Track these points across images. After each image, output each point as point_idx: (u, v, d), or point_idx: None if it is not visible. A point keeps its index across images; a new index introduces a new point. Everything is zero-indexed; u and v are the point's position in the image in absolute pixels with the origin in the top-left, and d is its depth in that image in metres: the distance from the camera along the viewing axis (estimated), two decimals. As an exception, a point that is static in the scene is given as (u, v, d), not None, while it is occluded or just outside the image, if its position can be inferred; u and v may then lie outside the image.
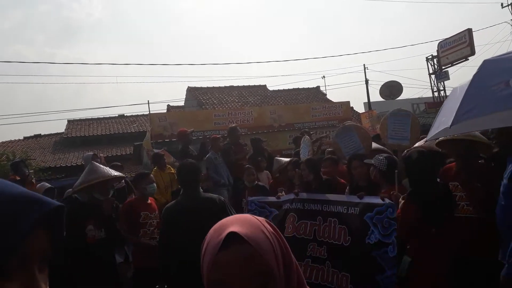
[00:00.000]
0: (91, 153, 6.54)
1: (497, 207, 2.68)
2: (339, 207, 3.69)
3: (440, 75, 21.65)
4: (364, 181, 3.94)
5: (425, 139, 3.20)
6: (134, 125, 23.19)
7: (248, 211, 4.38)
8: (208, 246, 0.86)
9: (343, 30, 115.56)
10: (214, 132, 9.42)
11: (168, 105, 22.79)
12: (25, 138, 23.00)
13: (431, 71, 22.41)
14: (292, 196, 4.10)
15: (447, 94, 15.35)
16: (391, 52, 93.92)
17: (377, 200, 3.46)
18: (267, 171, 6.42)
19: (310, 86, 25.73)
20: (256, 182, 5.34)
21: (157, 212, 4.41)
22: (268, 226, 0.90)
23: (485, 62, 2.20)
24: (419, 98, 24.47)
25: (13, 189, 0.65)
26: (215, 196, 3.48)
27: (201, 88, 22.93)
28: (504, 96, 1.93)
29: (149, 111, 21.01)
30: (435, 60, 21.92)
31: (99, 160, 6.39)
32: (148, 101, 36.17)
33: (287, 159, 5.60)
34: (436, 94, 22.23)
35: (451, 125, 2.00)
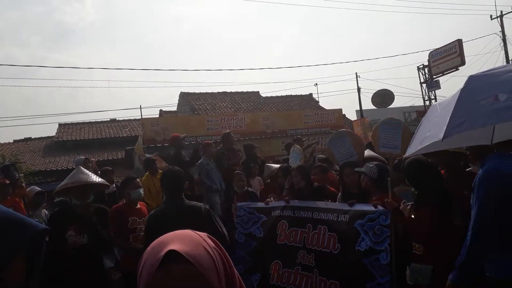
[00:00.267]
0: (83, 157, 6.51)
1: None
2: (329, 214, 3.70)
3: (431, 84, 21.92)
4: (356, 189, 3.96)
5: (406, 155, 3.24)
6: (126, 129, 23.04)
7: (237, 217, 4.39)
8: (146, 265, 0.80)
9: (336, 38, 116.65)
10: (206, 138, 9.42)
11: (161, 110, 22.72)
12: (15, 141, 22.70)
13: (422, 80, 22.66)
14: (282, 203, 4.12)
15: (438, 103, 15.45)
16: (383, 61, 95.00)
17: (369, 208, 3.47)
18: (260, 177, 6.44)
19: (302, 93, 25.88)
20: (246, 187, 5.33)
21: (146, 217, 4.36)
22: (210, 242, 0.87)
23: (471, 78, 2.25)
24: (410, 106, 24.73)
25: None
26: (200, 204, 3.44)
27: (194, 93, 22.91)
28: (495, 110, 1.98)
29: (141, 115, 20.97)
30: (426, 69, 22.21)
31: (90, 164, 6.37)
32: (140, 105, 35.82)
33: (278, 166, 5.61)
34: (427, 102, 22.45)
35: (443, 139, 2.03)
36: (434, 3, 76.33)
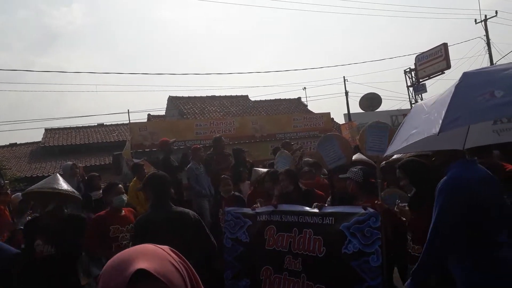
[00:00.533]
0: (70, 163, 6.42)
1: None
2: (315, 217, 3.68)
3: (417, 87, 22.21)
4: (347, 194, 3.96)
5: (386, 153, 3.18)
6: (114, 134, 22.85)
7: (225, 222, 4.38)
8: (110, 286, 0.74)
9: (324, 42, 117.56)
10: (195, 142, 9.38)
11: (149, 115, 22.56)
12: (0, 147, 22.36)
13: (409, 84, 22.97)
14: (271, 208, 4.10)
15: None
16: (370, 65, 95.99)
17: (356, 210, 3.45)
18: (249, 182, 6.42)
19: (291, 97, 26.03)
20: (233, 192, 5.32)
21: (132, 224, 4.10)
22: (174, 255, 0.83)
23: (466, 74, 2.20)
24: (397, 110, 24.97)
25: None
26: (187, 210, 3.35)
27: (183, 97, 22.84)
28: (492, 106, 1.95)
29: (129, 120, 20.83)
30: (413, 73, 22.51)
31: (77, 170, 6.29)
32: (128, 110, 35.59)
33: (265, 170, 5.61)
34: (414, 106, 22.68)
35: (439, 132, 1.97)
36: (420, 7, 77.60)
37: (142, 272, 0.73)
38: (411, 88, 22.86)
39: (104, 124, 24.88)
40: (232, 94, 24.92)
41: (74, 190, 4.10)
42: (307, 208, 3.83)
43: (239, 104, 23.62)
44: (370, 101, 24.33)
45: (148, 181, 3.41)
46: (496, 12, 22.20)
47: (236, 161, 6.94)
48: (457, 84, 2.13)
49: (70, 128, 23.66)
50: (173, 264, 0.79)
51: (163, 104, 23.72)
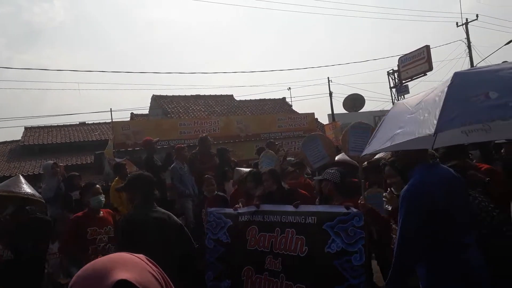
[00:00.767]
0: (51, 162, 6.30)
1: None
2: (297, 217, 3.67)
3: (400, 89, 22.51)
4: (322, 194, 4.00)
5: (364, 153, 3.15)
6: (96, 133, 22.49)
7: (207, 222, 4.36)
8: None
9: (309, 43, 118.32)
10: (179, 142, 9.33)
11: (132, 113, 22.26)
12: (-23, 145, 21.79)
13: (392, 85, 23.25)
14: (253, 208, 4.09)
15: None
16: (354, 66, 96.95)
17: (339, 209, 3.46)
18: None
19: (276, 97, 26.07)
20: (216, 192, 5.30)
21: (110, 226, 4.09)
22: (151, 264, 0.81)
23: (457, 74, 2.17)
24: (380, 110, 25.25)
25: None
26: (171, 215, 3.29)
27: (167, 96, 22.61)
28: (487, 107, 1.94)
29: (112, 119, 20.46)
30: (395, 74, 22.80)
31: (58, 169, 6.17)
32: (111, 108, 34.82)
33: (247, 170, 5.60)
34: (396, 107, 22.96)
35: (434, 133, 1.93)
36: (403, 9, 78.78)
37: (122, 283, 0.69)
38: (394, 90, 23.16)
39: (86, 122, 24.45)
40: (217, 94, 24.85)
41: (35, 193, 3.97)
42: (290, 208, 3.83)
43: (224, 103, 23.54)
44: (354, 101, 24.57)
45: (135, 181, 3.29)
46: (477, 15, 22.65)
47: (221, 161, 6.92)
48: (450, 84, 2.10)
49: (51, 126, 23.17)
50: (152, 274, 0.77)
51: (147, 103, 23.49)
